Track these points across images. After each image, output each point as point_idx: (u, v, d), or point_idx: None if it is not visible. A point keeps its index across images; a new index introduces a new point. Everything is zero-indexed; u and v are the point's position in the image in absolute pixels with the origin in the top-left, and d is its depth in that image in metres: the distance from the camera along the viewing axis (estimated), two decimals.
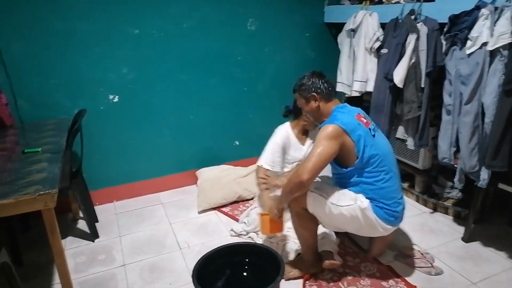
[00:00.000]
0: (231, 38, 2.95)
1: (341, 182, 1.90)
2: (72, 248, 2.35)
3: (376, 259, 2.16)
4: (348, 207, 1.78)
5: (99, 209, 2.76)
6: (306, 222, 1.92)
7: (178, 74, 2.86)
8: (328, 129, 1.73)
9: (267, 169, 2.31)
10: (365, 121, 1.84)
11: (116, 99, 2.70)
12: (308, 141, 2.39)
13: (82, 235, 2.50)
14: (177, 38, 2.76)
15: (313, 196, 1.84)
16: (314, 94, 1.88)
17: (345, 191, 1.84)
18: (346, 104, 1.95)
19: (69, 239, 2.45)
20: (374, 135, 1.82)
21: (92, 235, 2.44)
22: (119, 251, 2.32)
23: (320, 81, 1.88)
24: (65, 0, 2.38)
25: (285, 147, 2.36)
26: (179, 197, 2.99)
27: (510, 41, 1.82)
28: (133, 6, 2.56)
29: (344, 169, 1.82)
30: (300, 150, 2.38)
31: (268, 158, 2.33)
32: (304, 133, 2.40)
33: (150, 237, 2.46)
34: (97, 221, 2.62)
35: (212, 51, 2.91)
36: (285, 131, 2.38)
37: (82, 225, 2.60)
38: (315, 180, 1.84)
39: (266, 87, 3.22)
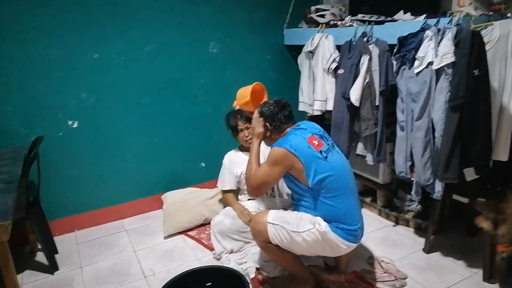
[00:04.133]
0: (194, 61, 2.98)
1: (299, 198, 1.91)
2: (30, 283, 2.23)
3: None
4: (308, 232, 1.79)
5: (59, 240, 2.65)
6: (279, 252, 1.88)
7: (141, 97, 2.84)
8: (276, 152, 1.81)
9: (229, 190, 2.58)
10: (316, 143, 1.84)
11: (75, 125, 2.64)
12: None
13: (40, 267, 2.38)
14: (138, 62, 2.76)
15: (273, 228, 1.83)
16: (267, 124, 1.96)
17: (303, 215, 1.85)
18: (304, 121, 2.03)
19: (27, 272, 2.33)
20: (326, 157, 1.83)
21: (51, 267, 2.33)
22: (80, 283, 2.22)
23: (279, 114, 1.93)
24: (22, 26, 2.34)
25: (231, 168, 2.56)
26: (143, 223, 2.92)
27: (453, 60, 1.93)
28: (93, 30, 2.55)
29: (301, 184, 1.85)
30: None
31: (224, 181, 2.59)
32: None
33: (113, 267, 2.38)
34: (57, 252, 2.51)
35: (175, 74, 2.93)
36: (231, 154, 2.63)
37: (40, 257, 2.48)
38: (272, 211, 1.90)
39: (230, 108, 3.22)
